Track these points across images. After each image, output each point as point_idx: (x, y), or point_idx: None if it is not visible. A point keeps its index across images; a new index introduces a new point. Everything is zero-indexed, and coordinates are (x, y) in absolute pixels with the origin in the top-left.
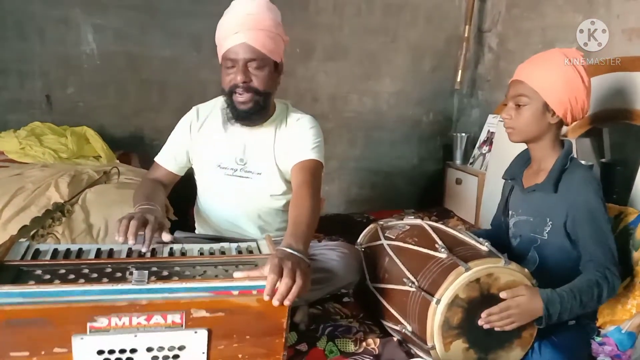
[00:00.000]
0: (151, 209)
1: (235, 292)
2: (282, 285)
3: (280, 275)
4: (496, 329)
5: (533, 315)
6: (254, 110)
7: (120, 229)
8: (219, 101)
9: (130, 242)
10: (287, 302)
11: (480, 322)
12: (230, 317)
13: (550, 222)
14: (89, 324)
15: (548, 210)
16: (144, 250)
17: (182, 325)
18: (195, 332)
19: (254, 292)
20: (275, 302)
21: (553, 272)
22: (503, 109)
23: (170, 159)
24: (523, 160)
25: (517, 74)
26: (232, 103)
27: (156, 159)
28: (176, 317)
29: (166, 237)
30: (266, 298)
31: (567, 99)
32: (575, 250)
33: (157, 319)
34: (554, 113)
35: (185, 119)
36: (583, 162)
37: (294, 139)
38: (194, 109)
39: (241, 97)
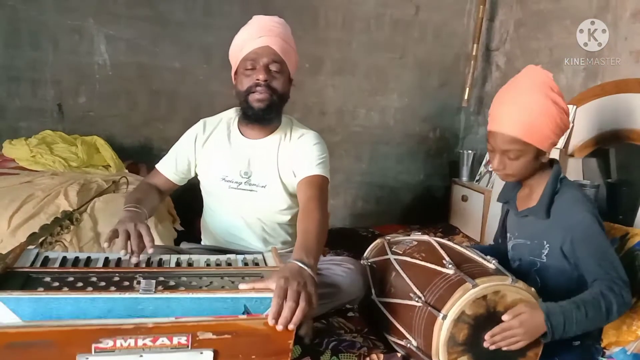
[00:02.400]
0: (137, 213)
1: (243, 317)
2: (285, 310)
3: (284, 297)
4: (503, 348)
5: (538, 331)
6: (269, 111)
7: (122, 243)
8: (226, 115)
9: (134, 259)
10: (291, 327)
11: (485, 345)
12: (237, 339)
13: (548, 245)
14: (93, 345)
15: (543, 233)
16: (150, 251)
17: (188, 346)
18: (201, 353)
19: (262, 315)
20: (279, 327)
21: (555, 295)
22: (491, 155)
23: (171, 167)
24: (515, 183)
25: (503, 127)
26: (247, 104)
27: (157, 165)
28: (182, 339)
29: (150, 249)
30: (271, 322)
31: (555, 136)
32: (575, 271)
33: (162, 340)
34: (545, 152)
35: (191, 131)
36: (589, 183)
37: (298, 155)
38: (201, 121)
39: (259, 95)
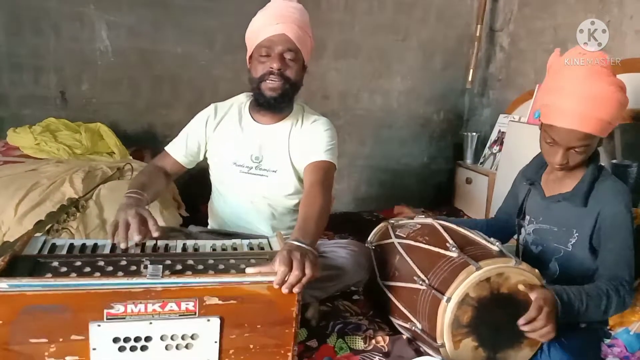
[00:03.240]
0: (138, 199)
1: (247, 281)
2: (291, 276)
3: (290, 267)
4: (539, 338)
5: (554, 308)
6: (281, 99)
7: (122, 235)
8: (237, 100)
9: (122, 245)
10: (296, 290)
11: (526, 330)
12: (242, 305)
13: (577, 234)
14: (105, 311)
15: (575, 221)
16: (155, 234)
17: (195, 313)
18: (208, 320)
19: (265, 280)
20: (285, 290)
21: (572, 284)
22: (551, 148)
23: (181, 150)
24: (541, 164)
25: (570, 123)
26: (260, 91)
27: (166, 148)
28: (190, 305)
29: (155, 232)
30: (276, 286)
31: (621, 118)
32: (596, 264)
33: (171, 306)
34: (601, 140)
35: (202, 114)
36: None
37: (308, 140)
38: (212, 105)
39: (272, 84)
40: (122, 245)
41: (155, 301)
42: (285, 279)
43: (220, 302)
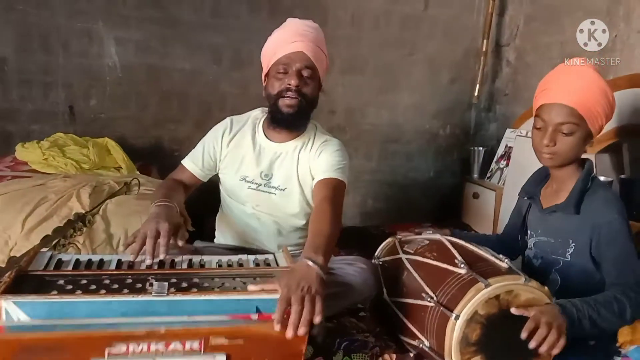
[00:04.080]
0: (167, 207)
1: (255, 317)
2: (292, 315)
3: (289, 303)
4: (550, 349)
5: (560, 321)
6: (298, 116)
7: (130, 249)
8: (252, 115)
9: (148, 261)
10: (301, 332)
11: (533, 345)
12: (249, 344)
13: (574, 244)
14: (107, 349)
15: (570, 232)
16: (161, 256)
17: (200, 352)
18: (214, 358)
19: (273, 316)
20: (289, 333)
21: (576, 295)
22: (539, 133)
23: (197, 163)
24: (540, 178)
25: (561, 97)
26: (277, 108)
27: (183, 161)
28: (195, 345)
29: (180, 242)
30: (277, 327)
31: (604, 118)
32: (598, 272)
33: (175, 345)
34: (592, 138)
35: (218, 127)
36: (602, 178)
37: (318, 159)
38: (227, 119)
39: (290, 101)
40: (131, 258)
41: (159, 341)
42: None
43: (226, 341)
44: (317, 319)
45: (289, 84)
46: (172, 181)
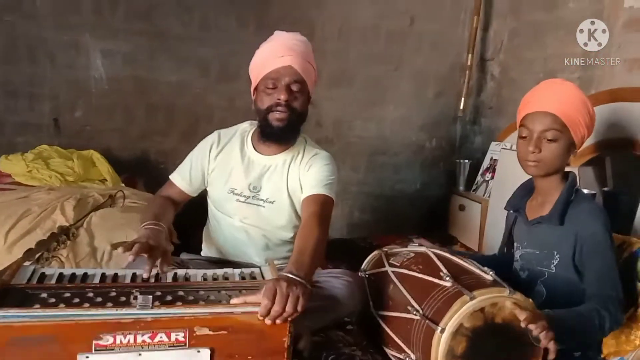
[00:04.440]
0: (157, 231)
1: (238, 311)
2: (275, 307)
3: (273, 299)
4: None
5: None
6: (288, 130)
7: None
8: (240, 128)
9: (130, 258)
10: (279, 322)
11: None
12: (233, 335)
13: (558, 255)
14: (94, 342)
15: (555, 243)
16: (145, 276)
17: (185, 344)
18: (199, 352)
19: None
20: (268, 321)
21: (561, 306)
22: (524, 142)
23: (185, 178)
24: (525, 191)
25: (544, 105)
26: (267, 122)
27: (171, 177)
28: (180, 335)
29: (165, 268)
30: (260, 317)
31: (585, 129)
32: (582, 283)
33: (161, 337)
34: (575, 148)
35: (206, 142)
36: (586, 191)
37: (307, 173)
38: (215, 133)
39: (280, 115)
40: (130, 259)
41: (145, 332)
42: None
43: (210, 332)
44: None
45: (279, 99)
46: (162, 199)
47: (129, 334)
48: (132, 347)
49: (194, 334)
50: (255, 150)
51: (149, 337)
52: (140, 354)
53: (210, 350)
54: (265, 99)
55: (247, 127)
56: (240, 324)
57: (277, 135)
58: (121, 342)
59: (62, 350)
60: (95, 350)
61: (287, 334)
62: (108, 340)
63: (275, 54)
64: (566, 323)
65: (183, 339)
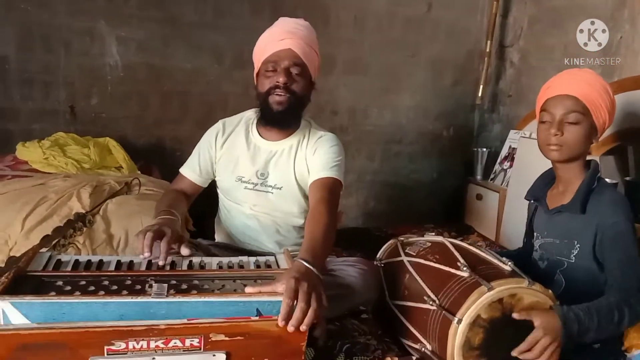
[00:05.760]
0: (171, 220)
1: (255, 318)
2: (297, 311)
3: (295, 298)
4: None
5: (559, 332)
6: (288, 113)
7: (140, 244)
8: (245, 115)
9: (146, 254)
10: (303, 328)
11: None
12: (249, 341)
13: (578, 245)
14: (106, 347)
15: (575, 232)
16: (161, 262)
17: (200, 348)
18: (214, 355)
19: (274, 317)
20: (291, 328)
21: (580, 296)
22: (545, 127)
23: (194, 170)
24: (547, 180)
25: (565, 89)
26: (267, 105)
27: (181, 170)
28: (195, 341)
29: (184, 250)
30: (281, 324)
31: (607, 115)
32: (603, 274)
33: (175, 342)
34: (596, 133)
35: (211, 131)
36: (607, 180)
37: (314, 156)
38: (220, 122)
39: (279, 97)
40: (146, 254)
41: (159, 338)
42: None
43: (226, 338)
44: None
45: (278, 82)
46: (174, 192)
47: (142, 340)
48: (146, 352)
49: (209, 340)
50: (261, 136)
51: (163, 343)
52: (154, 358)
53: (226, 354)
54: (265, 82)
55: (252, 115)
56: (257, 330)
57: (278, 119)
58: (134, 347)
59: (74, 356)
60: (107, 354)
61: (305, 338)
62: (120, 345)
63: (276, 37)
64: (583, 326)
65: (198, 344)
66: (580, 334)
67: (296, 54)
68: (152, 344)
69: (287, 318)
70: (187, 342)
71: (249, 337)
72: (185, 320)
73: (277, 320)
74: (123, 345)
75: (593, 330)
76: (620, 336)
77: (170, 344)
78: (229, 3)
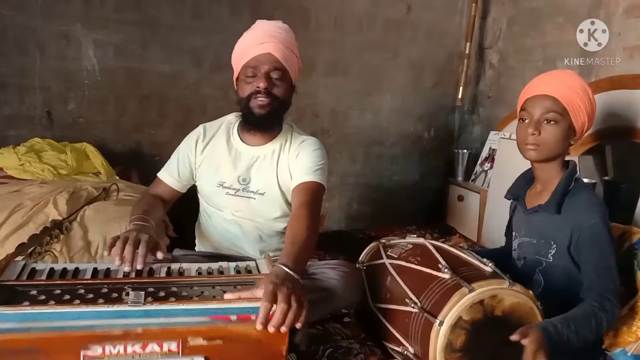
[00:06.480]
0: (144, 226)
1: (234, 318)
2: (277, 312)
3: (274, 302)
4: None
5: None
6: (270, 117)
7: (114, 252)
8: (226, 120)
9: (117, 262)
10: (283, 329)
11: None
12: (229, 345)
13: (555, 245)
14: (82, 352)
15: (552, 232)
16: (139, 266)
17: (178, 354)
18: None
19: (253, 317)
20: (271, 329)
21: (559, 295)
22: (524, 125)
23: (173, 175)
24: (526, 180)
25: (544, 89)
26: (249, 110)
27: (159, 174)
28: (172, 346)
29: (160, 255)
30: (259, 327)
31: (585, 121)
32: (580, 274)
33: (152, 347)
34: (574, 134)
35: (191, 136)
36: (586, 180)
37: (296, 160)
38: (200, 126)
39: (261, 102)
40: (117, 262)
41: (136, 342)
42: (270, 314)
43: (205, 342)
44: (299, 325)
45: (258, 87)
46: (150, 196)
47: (119, 344)
48: (123, 357)
49: (188, 344)
50: (242, 141)
51: (140, 347)
52: None
53: (205, 358)
54: (245, 88)
55: (233, 119)
56: (236, 333)
57: (260, 123)
58: (111, 352)
59: None
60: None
61: (285, 342)
62: (97, 350)
63: (255, 41)
64: (562, 337)
65: (176, 349)
66: (559, 343)
67: (276, 58)
68: (130, 349)
69: (265, 321)
70: (165, 347)
71: (228, 341)
72: (162, 320)
73: (256, 322)
74: (100, 351)
75: (573, 340)
76: (601, 336)
77: (148, 349)
78: (207, 5)
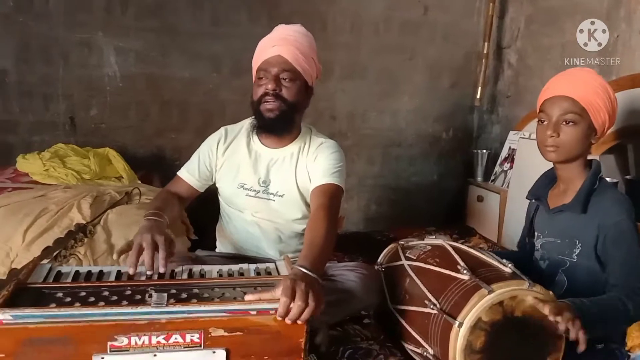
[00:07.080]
0: (157, 222)
1: (253, 313)
2: (294, 307)
3: (292, 297)
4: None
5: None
6: (280, 120)
7: (129, 262)
8: (246, 123)
9: (130, 271)
10: (300, 322)
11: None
12: (249, 336)
13: (580, 245)
14: (109, 343)
15: (577, 232)
16: (161, 270)
17: (200, 345)
18: (214, 352)
19: (272, 311)
20: (288, 321)
21: (582, 296)
22: (543, 127)
23: (193, 174)
24: (548, 180)
25: (562, 90)
26: (259, 113)
27: (179, 172)
28: (195, 337)
29: (169, 264)
30: (279, 317)
31: (606, 115)
32: (604, 273)
33: (176, 337)
34: (595, 134)
35: (213, 137)
36: (608, 179)
37: (315, 163)
38: (222, 129)
39: (269, 105)
40: (131, 271)
41: (160, 333)
42: (289, 309)
43: (226, 333)
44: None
45: (267, 89)
46: (167, 193)
47: (144, 335)
48: (147, 348)
49: (209, 335)
50: (262, 143)
51: (164, 339)
52: (155, 355)
53: (226, 350)
54: (257, 91)
55: (253, 122)
56: (256, 325)
57: (270, 126)
58: (136, 343)
59: (78, 351)
60: (110, 351)
61: (304, 334)
62: (123, 341)
63: (267, 45)
64: (589, 312)
65: (198, 340)
66: (587, 320)
67: (285, 59)
68: (154, 340)
69: (284, 315)
70: (188, 338)
71: (248, 333)
72: (185, 313)
73: (275, 314)
74: (125, 341)
75: (598, 321)
76: (623, 337)
77: (171, 340)
78: (225, 11)
